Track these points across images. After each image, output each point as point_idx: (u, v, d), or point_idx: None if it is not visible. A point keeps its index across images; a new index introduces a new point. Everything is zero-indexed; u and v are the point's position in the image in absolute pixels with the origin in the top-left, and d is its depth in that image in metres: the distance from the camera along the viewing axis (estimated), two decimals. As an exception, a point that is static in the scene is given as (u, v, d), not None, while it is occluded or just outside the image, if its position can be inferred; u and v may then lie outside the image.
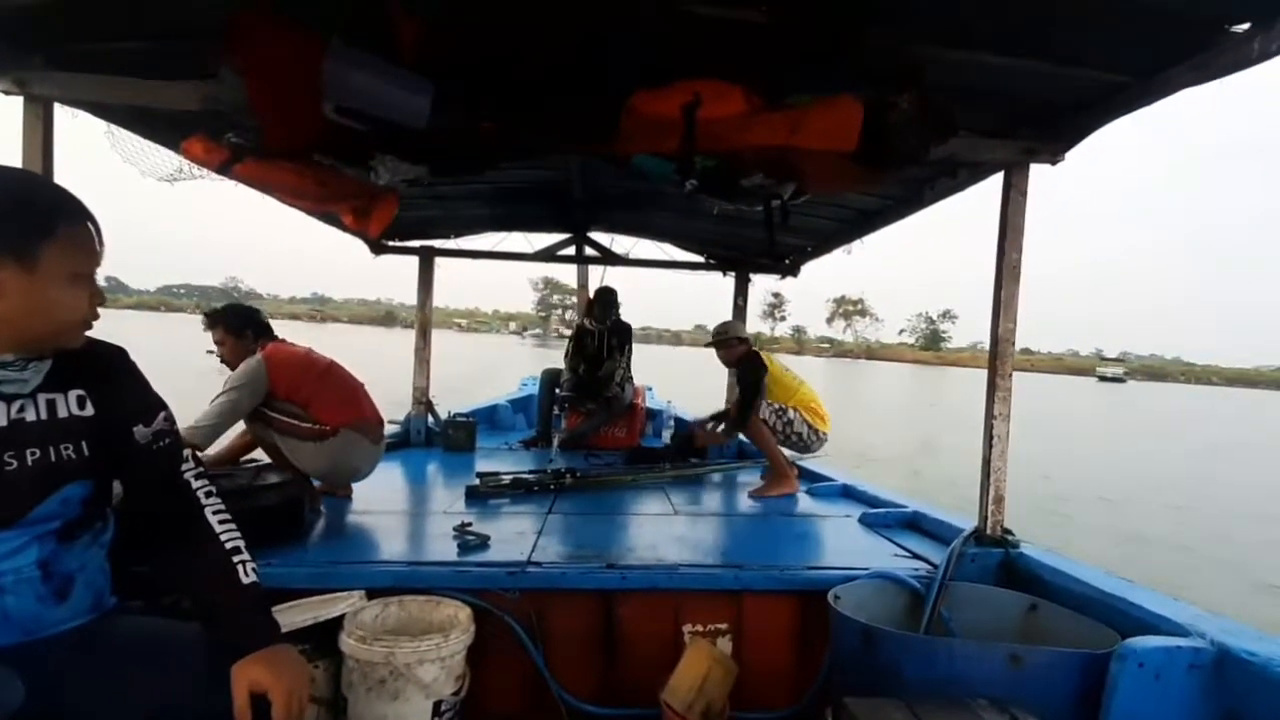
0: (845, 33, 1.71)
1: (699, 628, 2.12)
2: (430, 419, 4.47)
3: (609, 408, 4.68)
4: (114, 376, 1.11)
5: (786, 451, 3.56)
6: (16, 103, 1.95)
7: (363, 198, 2.36)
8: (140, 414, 1.11)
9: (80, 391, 1.05)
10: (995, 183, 2.30)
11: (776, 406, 3.53)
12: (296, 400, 2.60)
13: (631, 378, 4.83)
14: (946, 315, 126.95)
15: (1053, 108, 2.09)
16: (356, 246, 4.37)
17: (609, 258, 4.66)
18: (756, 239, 4.03)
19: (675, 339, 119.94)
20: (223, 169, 2.02)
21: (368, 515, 2.68)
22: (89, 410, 1.05)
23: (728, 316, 4.37)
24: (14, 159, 1.86)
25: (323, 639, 1.78)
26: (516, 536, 2.43)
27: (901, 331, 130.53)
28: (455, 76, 1.77)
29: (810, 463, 3.89)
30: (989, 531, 2.25)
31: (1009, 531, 2.26)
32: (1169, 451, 16.59)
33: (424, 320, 4.53)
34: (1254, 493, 11.18)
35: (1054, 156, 2.17)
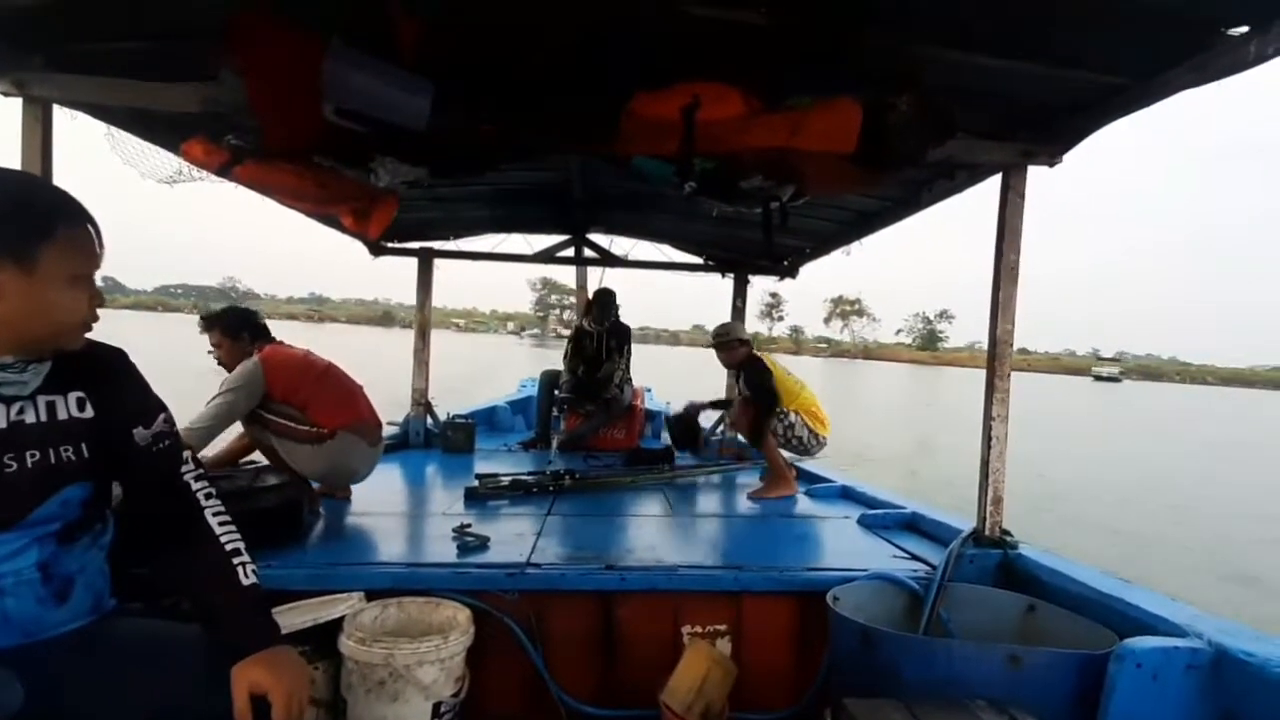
0: (844, 34, 1.72)
1: (698, 629, 2.12)
2: (429, 420, 4.47)
3: (608, 409, 4.68)
4: (114, 378, 1.11)
5: (785, 454, 3.57)
6: (16, 104, 1.94)
7: (362, 199, 2.36)
8: (140, 416, 1.11)
9: (80, 393, 1.05)
10: (993, 184, 2.31)
11: (778, 410, 3.53)
12: (293, 403, 2.59)
13: (630, 379, 4.83)
14: (943, 315, 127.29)
15: (1050, 110, 2.09)
16: (354, 247, 4.37)
17: (608, 259, 4.67)
18: (755, 240, 4.03)
19: (673, 339, 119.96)
20: (223, 171, 2.02)
21: (367, 517, 2.68)
22: (89, 412, 1.05)
23: (725, 317, 4.37)
24: (13, 161, 1.85)
25: (322, 640, 1.77)
26: (516, 538, 2.43)
27: (899, 331, 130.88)
28: (455, 77, 1.77)
29: (808, 464, 3.89)
30: (987, 532, 2.25)
31: (1007, 532, 2.26)
32: (1158, 450, 16.76)
33: (423, 322, 4.53)
34: (1242, 490, 11.36)
35: (1052, 158, 2.18)
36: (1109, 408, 34.91)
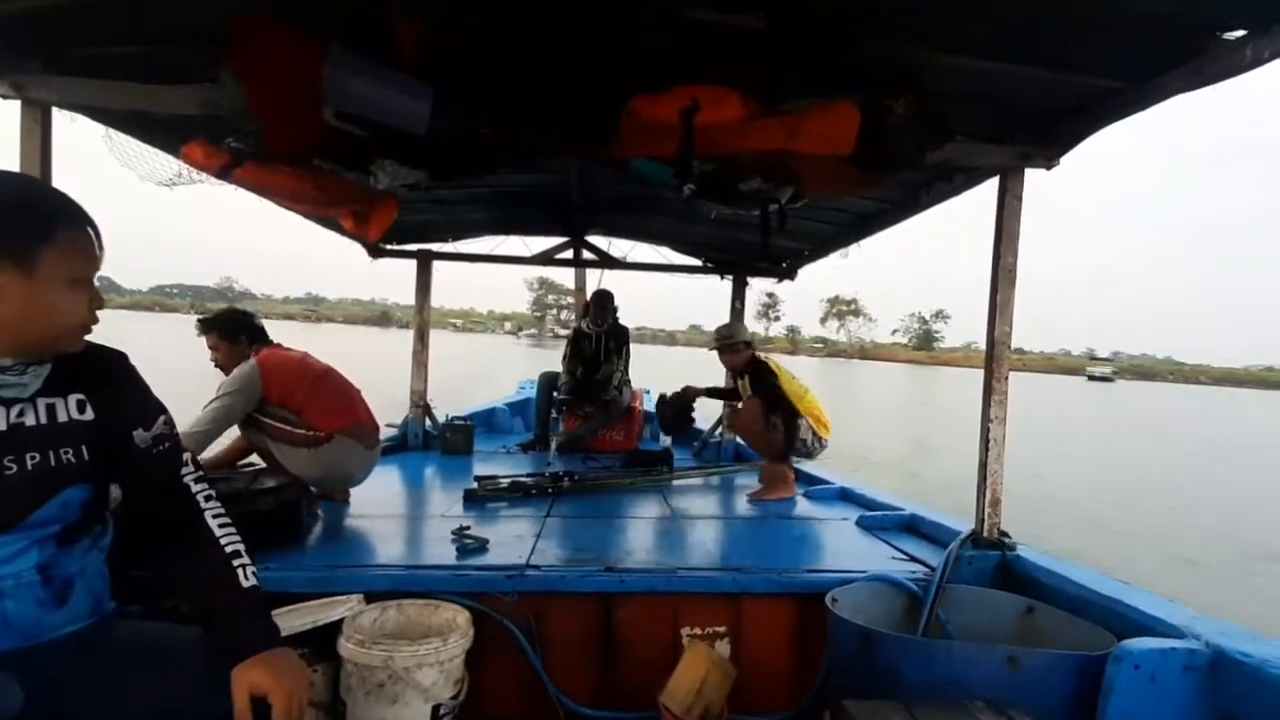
0: (842, 38, 1.73)
1: (697, 630, 2.13)
2: (428, 422, 4.47)
3: (607, 411, 4.67)
4: (114, 381, 1.10)
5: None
6: (14, 106, 1.94)
7: (362, 202, 2.36)
8: (140, 418, 1.11)
9: (80, 396, 1.05)
10: (990, 187, 2.32)
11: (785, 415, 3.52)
12: (290, 406, 2.59)
13: (629, 380, 4.83)
14: (939, 315, 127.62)
15: (1047, 113, 2.10)
16: (352, 248, 4.37)
17: (607, 261, 4.67)
18: (754, 243, 4.02)
19: (670, 339, 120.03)
20: (222, 174, 2.02)
21: (365, 519, 2.68)
22: (89, 414, 1.05)
23: (722, 317, 4.36)
24: (12, 163, 1.85)
25: (321, 643, 1.77)
26: (515, 540, 2.43)
27: (895, 331, 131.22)
28: (455, 81, 1.78)
29: (807, 465, 3.89)
30: (986, 534, 2.26)
31: (1006, 534, 2.27)
32: (1148, 448, 17.02)
33: (421, 323, 4.53)
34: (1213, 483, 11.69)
35: (1049, 161, 2.19)
36: (1099, 407, 35.11)
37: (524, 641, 2.01)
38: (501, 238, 4.56)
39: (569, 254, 4.66)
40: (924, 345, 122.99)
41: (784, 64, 1.83)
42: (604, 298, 4.76)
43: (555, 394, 4.75)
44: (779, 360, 3.80)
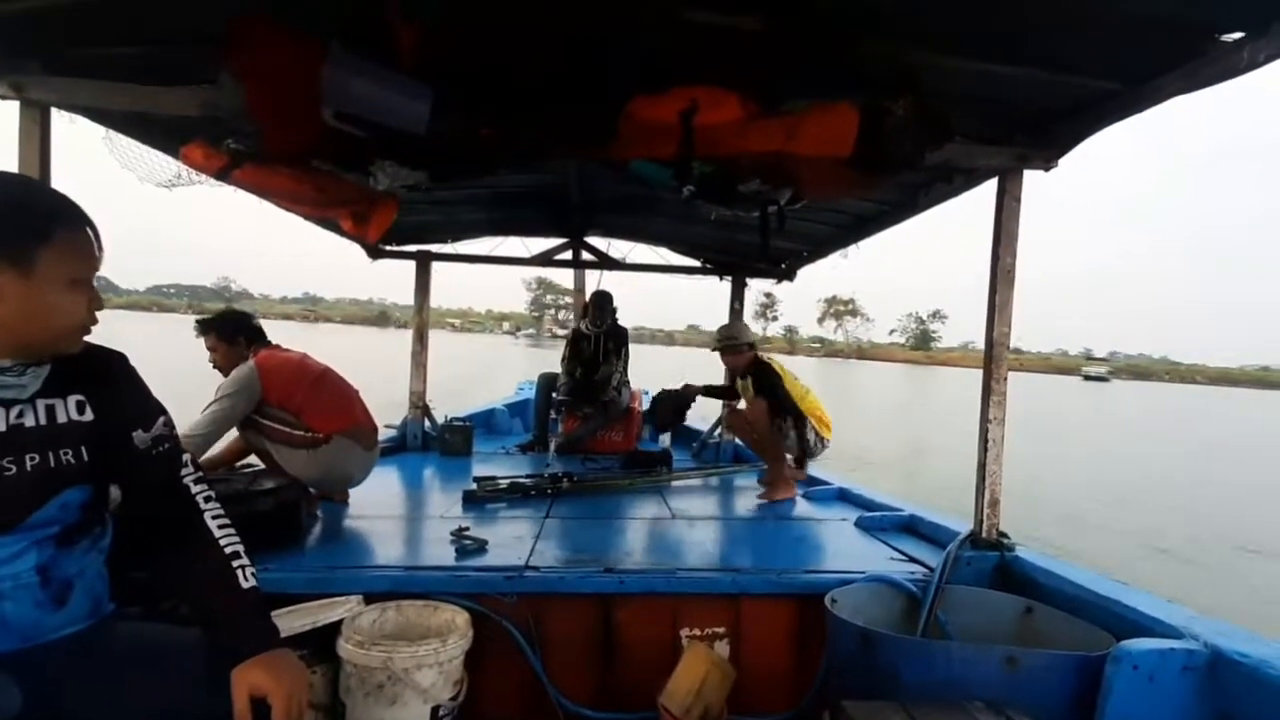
0: (841, 39, 1.73)
1: (696, 631, 2.13)
2: (427, 423, 4.46)
3: (606, 412, 4.67)
4: (113, 382, 1.10)
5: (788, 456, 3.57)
6: (14, 107, 1.94)
7: (361, 203, 2.36)
8: (140, 419, 1.11)
9: (79, 397, 1.05)
10: (989, 188, 2.33)
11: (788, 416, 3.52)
12: (289, 407, 2.58)
13: (628, 381, 4.83)
14: (936, 315, 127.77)
15: (1046, 114, 2.11)
16: (350, 248, 4.36)
17: (606, 262, 4.67)
18: (753, 244, 4.02)
19: (669, 339, 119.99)
20: (222, 175, 2.01)
21: (365, 520, 2.67)
22: (88, 415, 1.05)
23: (721, 318, 4.35)
24: (11, 164, 1.85)
25: (320, 644, 1.77)
26: (514, 541, 2.43)
27: (892, 331, 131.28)
28: (454, 82, 1.77)
29: (806, 466, 3.89)
30: (984, 535, 2.26)
31: (1004, 535, 2.27)
32: (1144, 448, 17.13)
33: (421, 324, 4.53)
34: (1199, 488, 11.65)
35: (1047, 163, 2.19)
36: (1094, 407, 35.20)
37: (523, 642, 2.01)
38: (501, 238, 4.56)
39: (568, 255, 4.66)
40: (921, 345, 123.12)
41: (783, 65, 1.83)
42: (603, 298, 4.76)
43: (554, 395, 4.75)
44: (778, 361, 3.81)
